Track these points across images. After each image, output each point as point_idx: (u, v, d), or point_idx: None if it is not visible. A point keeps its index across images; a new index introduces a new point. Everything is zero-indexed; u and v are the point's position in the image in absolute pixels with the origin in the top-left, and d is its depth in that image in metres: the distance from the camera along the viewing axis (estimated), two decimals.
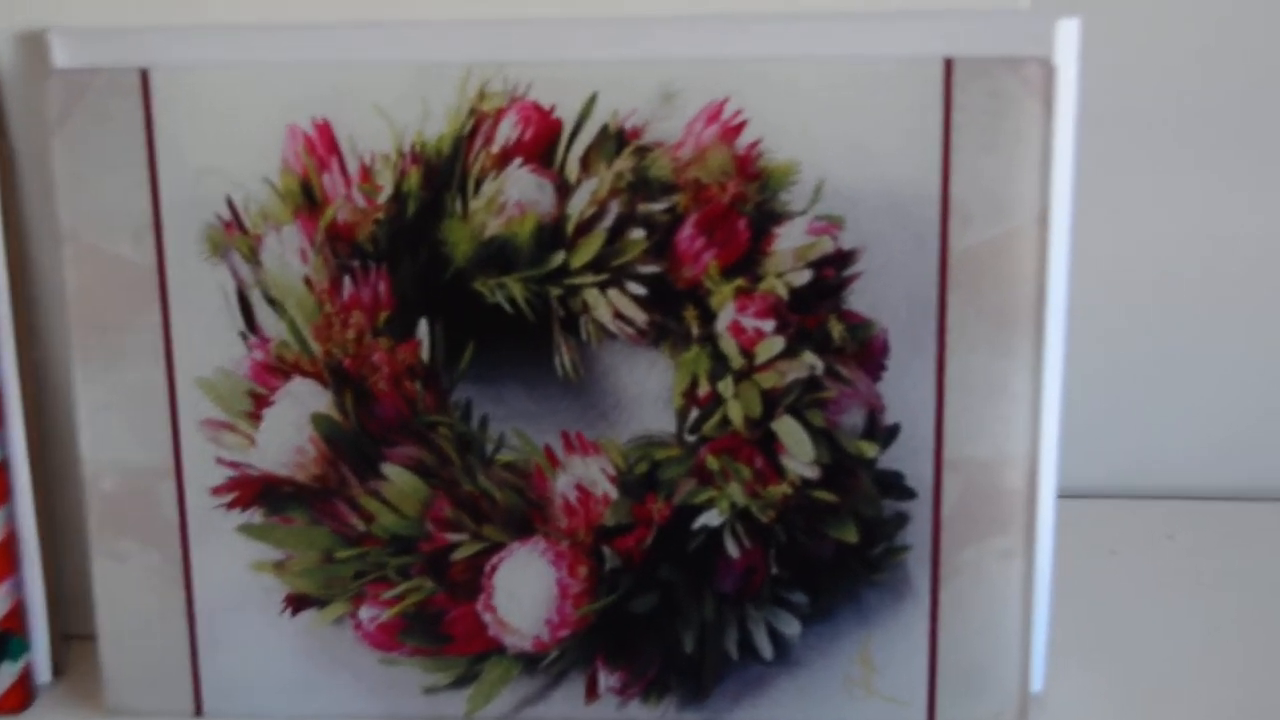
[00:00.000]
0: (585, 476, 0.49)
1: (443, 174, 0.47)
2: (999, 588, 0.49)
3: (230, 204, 0.48)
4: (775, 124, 0.46)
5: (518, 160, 0.47)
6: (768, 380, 0.48)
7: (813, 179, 0.47)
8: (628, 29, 0.47)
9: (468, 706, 0.51)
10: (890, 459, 0.48)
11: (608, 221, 0.47)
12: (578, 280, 0.48)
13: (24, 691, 0.52)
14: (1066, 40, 0.46)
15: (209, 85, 0.47)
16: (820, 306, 0.47)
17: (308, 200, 0.48)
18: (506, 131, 0.47)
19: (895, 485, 0.48)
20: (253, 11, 0.48)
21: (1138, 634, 0.55)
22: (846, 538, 0.49)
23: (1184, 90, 0.64)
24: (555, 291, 0.48)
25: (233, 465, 0.49)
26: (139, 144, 0.48)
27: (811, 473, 0.48)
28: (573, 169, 0.47)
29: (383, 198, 0.48)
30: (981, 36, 0.45)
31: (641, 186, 0.47)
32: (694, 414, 0.48)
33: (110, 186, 0.48)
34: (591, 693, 0.50)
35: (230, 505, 0.50)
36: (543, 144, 0.47)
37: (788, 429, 0.48)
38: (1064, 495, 0.51)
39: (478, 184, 0.47)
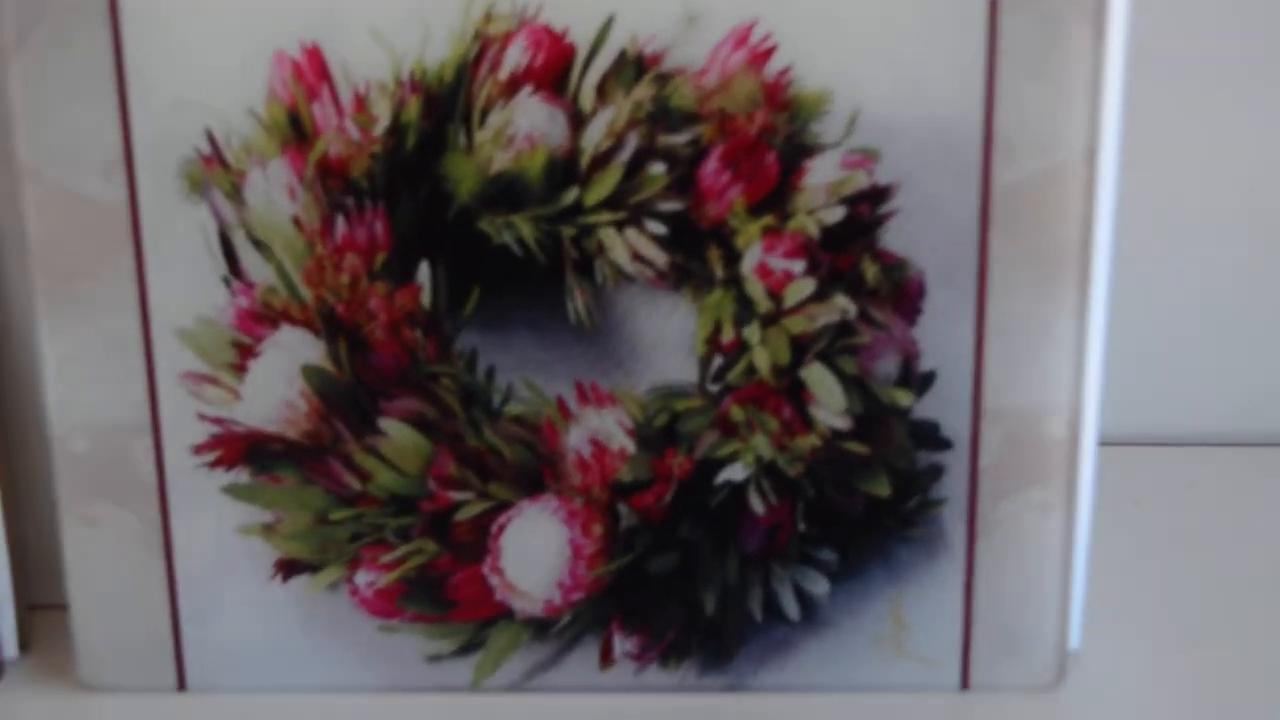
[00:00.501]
0: (600, 429, 0.46)
1: (445, 103, 0.44)
2: (1037, 542, 0.47)
3: (210, 137, 0.44)
4: (807, 49, 0.43)
5: (527, 88, 0.44)
6: (796, 325, 0.45)
7: (847, 109, 0.43)
8: None
9: (474, 675, 0.48)
10: (925, 408, 0.46)
11: (625, 155, 0.44)
12: (592, 219, 0.44)
13: None
14: None
15: (184, 5, 0.43)
16: (853, 246, 0.45)
17: (296, 133, 0.44)
18: (515, 57, 0.43)
19: (930, 436, 0.46)
20: None
21: (1171, 587, 0.53)
22: (878, 491, 0.46)
23: (1243, 23, 0.61)
24: (568, 231, 0.45)
25: (216, 422, 0.46)
26: (107, 70, 0.43)
27: (842, 423, 0.46)
28: (587, 98, 0.44)
29: (379, 129, 0.44)
30: None
31: (662, 117, 0.44)
32: (717, 362, 0.46)
33: (75, 119, 0.44)
34: (606, 658, 0.48)
35: (213, 465, 0.46)
36: (555, 70, 0.44)
37: (817, 377, 0.45)
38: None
39: (483, 114, 0.44)
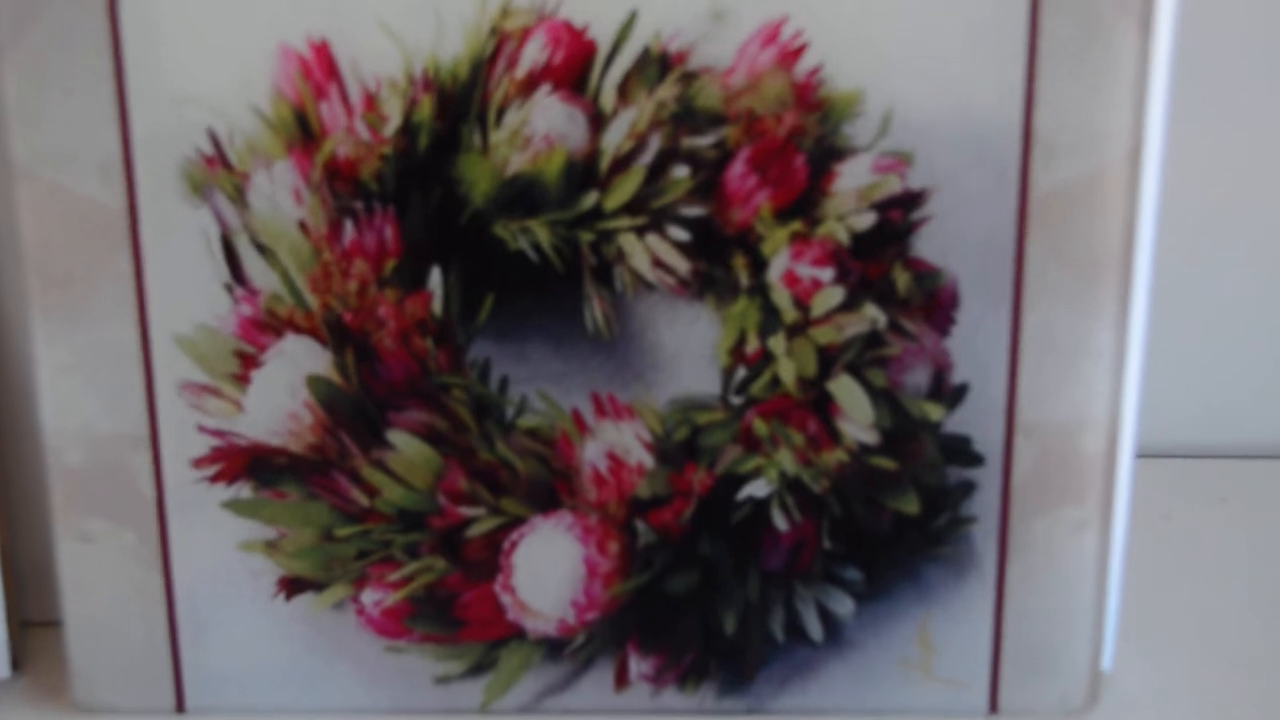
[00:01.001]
0: (617, 443, 0.44)
1: (459, 103, 0.42)
2: (1071, 562, 0.45)
3: (212, 136, 0.42)
4: (839, 48, 0.42)
5: (546, 87, 0.42)
6: (824, 335, 0.43)
7: (879, 110, 0.42)
8: None
9: (484, 697, 0.46)
10: (957, 422, 0.44)
11: (647, 157, 0.42)
12: (612, 224, 0.43)
13: None
14: None
15: None
16: (885, 253, 0.43)
17: (303, 132, 0.42)
18: (533, 54, 0.42)
19: (962, 451, 0.44)
20: None
21: (1203, 605, 0.52)
22: (907, 508, 0.45)
23: None
24: (587, 236, 0.43)
25: (217, 434, 0.44)
26: (105, 66, 0.42)
27: (870, 437, 0.44)
28: (608, 97, 0.42)
29: (390, 130, 0.42)
30: None
31: (686, 118, 0.42)
32: (741, 373, 0.44)
33: (72, 117, 0.42)
34: (622, 680, 0.46)
35: (214, 479, 0.45)
36: (574, 68, 0.42)
37: (845, 389, 0.44)
38: None
39: (499, 114, 0.42)
